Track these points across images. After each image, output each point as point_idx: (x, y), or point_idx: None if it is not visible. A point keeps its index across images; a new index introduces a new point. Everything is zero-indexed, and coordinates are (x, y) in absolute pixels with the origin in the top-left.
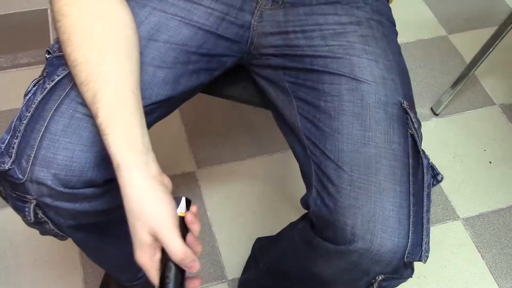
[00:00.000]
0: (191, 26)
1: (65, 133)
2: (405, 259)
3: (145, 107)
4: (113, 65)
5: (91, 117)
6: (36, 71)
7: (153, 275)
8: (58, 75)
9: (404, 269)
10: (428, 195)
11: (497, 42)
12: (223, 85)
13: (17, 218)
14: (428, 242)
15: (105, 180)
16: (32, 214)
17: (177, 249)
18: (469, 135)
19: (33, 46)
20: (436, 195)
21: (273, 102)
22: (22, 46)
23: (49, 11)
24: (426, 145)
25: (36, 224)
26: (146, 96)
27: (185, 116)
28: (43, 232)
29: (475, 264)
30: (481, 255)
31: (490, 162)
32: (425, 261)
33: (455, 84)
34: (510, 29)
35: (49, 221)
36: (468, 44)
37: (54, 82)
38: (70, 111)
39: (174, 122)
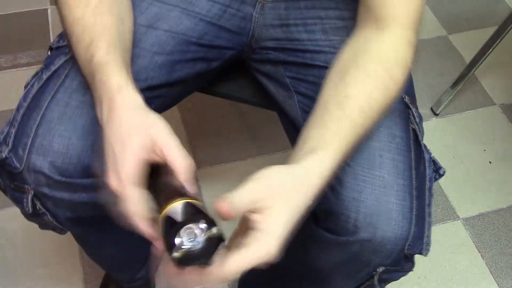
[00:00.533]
0: (192, 17)
1: (60, 121)
2: (405, 251)
3: (142, 91)
4: (109, 22)
5: (87, 104)
6: (36, 71)
7: (132, 191)
8: (55, 65)
9: (405, 262)
10: (430, 189)
11: (497, 42)
12: (223, 84)
13: (17, 217)
14: (430, 236)
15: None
16: (30, 205)
17: (184, 156)
18: (469, 135)
19: (33, 46)
20: (436, 195)
21: (274, 99)
22: (22, 46)
23: (49, 11)
24: (426, 145)
25: (35, 216)
26: (142, 78)
27: (185, 116)
28: (43, 226)
29: (475, 264)
30: (481, 255)
31: (490, 162)
32: (426, 254)
33: (455, 84)
34: (510, 29)
35: (47, 213)
36: (468, 44)
37: (50, 72)
38: (66, 99)
39: (174, 122)
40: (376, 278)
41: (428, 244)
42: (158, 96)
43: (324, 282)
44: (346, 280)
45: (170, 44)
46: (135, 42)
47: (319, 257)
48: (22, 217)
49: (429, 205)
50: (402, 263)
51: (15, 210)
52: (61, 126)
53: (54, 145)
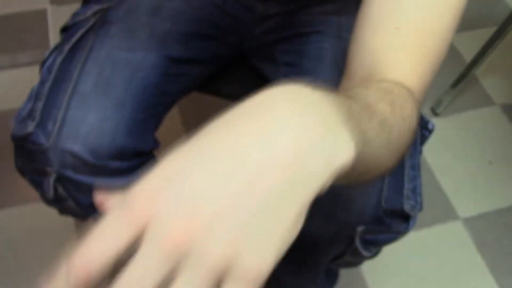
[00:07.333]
0: None
1: (95, 93)
2: (383, 205)
3: (163, 64)
4: None
5: (119, 76)
6: (36, 71)
7: None
8: (75, 36)
9: (391, 220)
10: (414, 142)
11: (497, 42)
12: (223, 84)
13: (17, 218)
14: (414, 190)
15: (134, 151)
16: (51, 190)
17: None
18: (469, 135)
19: (33, 46)
20: (436, 195)
21: (266, 78)
22: (22, 46)
23: (48, 10)
24: (426, 145)
25: (56, 201)
26: (161, 48)
27: (185, 117)
28: (62, 211)
29: (475, 264)
30: (481, 255)
31: (490, 162)
32: (413, 211)
33: (455, 84)
34: (510, 29)
35: (69, 198)
36: (468, 44)
37: (72, 43)
38: (96, 70)
39: (174, 123)
40: (357, 239)
41: (412, 198)
42: (181, 73)
43: (311, 249)
44: (330, 245)
45: (185, 16)
46: (154, 12)
47: (306, 226)
48: (22, 217)
49: (413, 157)
50: (387, 221)
51: (15, 210)
52: (96, 98)
53: (88, 117)
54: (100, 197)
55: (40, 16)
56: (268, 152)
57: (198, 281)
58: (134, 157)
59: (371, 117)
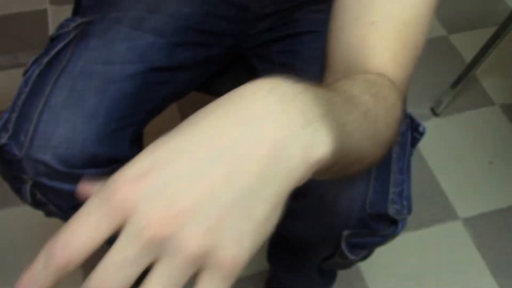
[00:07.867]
0: (189, 5)
1: (65, 106)
2: (367, 209)
3: (146, 73)
4: None
5: (92, 88)
6: None
7: None
8: (54, 49)
9: (377, 224)
10: (403, 145)
11: (497, 42)
12: (223, 84)
13: (18, 218)
14: (401, 195)
15: (108, 158)
16: (28, 195)
17: None
18: (469, 135)
19: (33, 46)
20: (436, 195)
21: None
22: (22, 46)
23: (49, 11)
24: (426, 145)
25: (36, 205)
26: (144, 60)
27: (185, 117)
28: (48, 214)
29: (475, 264)
30: (481, 255)
31: (490, 162)
32: (398, 215)
33: (455, 84)
34: (510, 29)
35: (49, 203)
36: (468, 44)
37: (50, 56)
38: (69, 83)
39: (174, 123)
40: (343, 243)
41: (398, 203)
42: (165, 81)
43: (302, 250)
44: (318, 247)
45: (169, 28)
46: (136, 25)
47: (296, 228)
48: (22, 217)
49: (400, 161)
50: (372, 224)
51: (15, 210)
52: (66, 111)
53: (59, 130)
54: (83, 187)
55: (40, 16)
56: (246, 144)
57: (175, 271)
58: (109, 165)
59: (354, 108)
